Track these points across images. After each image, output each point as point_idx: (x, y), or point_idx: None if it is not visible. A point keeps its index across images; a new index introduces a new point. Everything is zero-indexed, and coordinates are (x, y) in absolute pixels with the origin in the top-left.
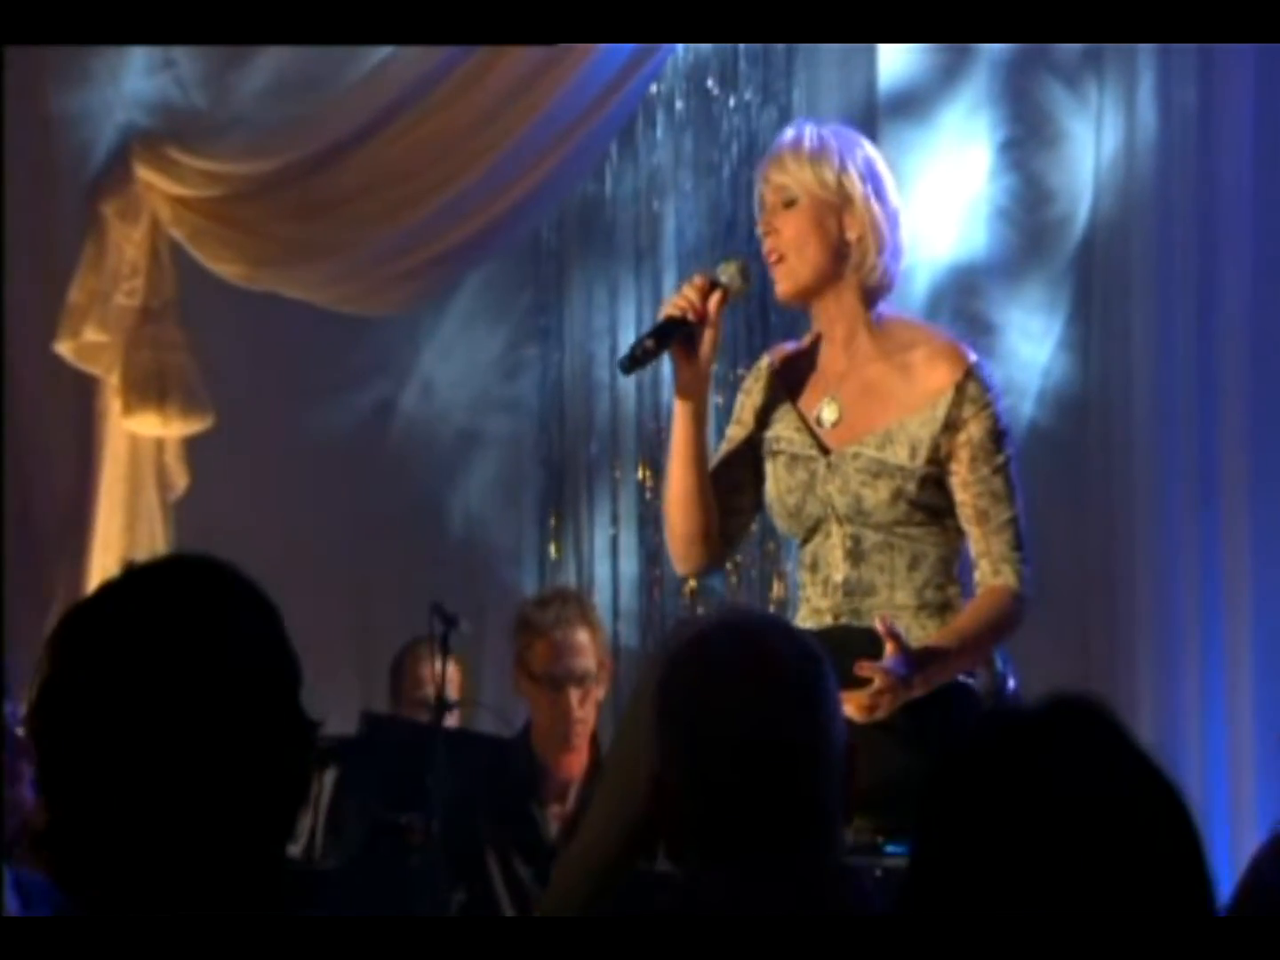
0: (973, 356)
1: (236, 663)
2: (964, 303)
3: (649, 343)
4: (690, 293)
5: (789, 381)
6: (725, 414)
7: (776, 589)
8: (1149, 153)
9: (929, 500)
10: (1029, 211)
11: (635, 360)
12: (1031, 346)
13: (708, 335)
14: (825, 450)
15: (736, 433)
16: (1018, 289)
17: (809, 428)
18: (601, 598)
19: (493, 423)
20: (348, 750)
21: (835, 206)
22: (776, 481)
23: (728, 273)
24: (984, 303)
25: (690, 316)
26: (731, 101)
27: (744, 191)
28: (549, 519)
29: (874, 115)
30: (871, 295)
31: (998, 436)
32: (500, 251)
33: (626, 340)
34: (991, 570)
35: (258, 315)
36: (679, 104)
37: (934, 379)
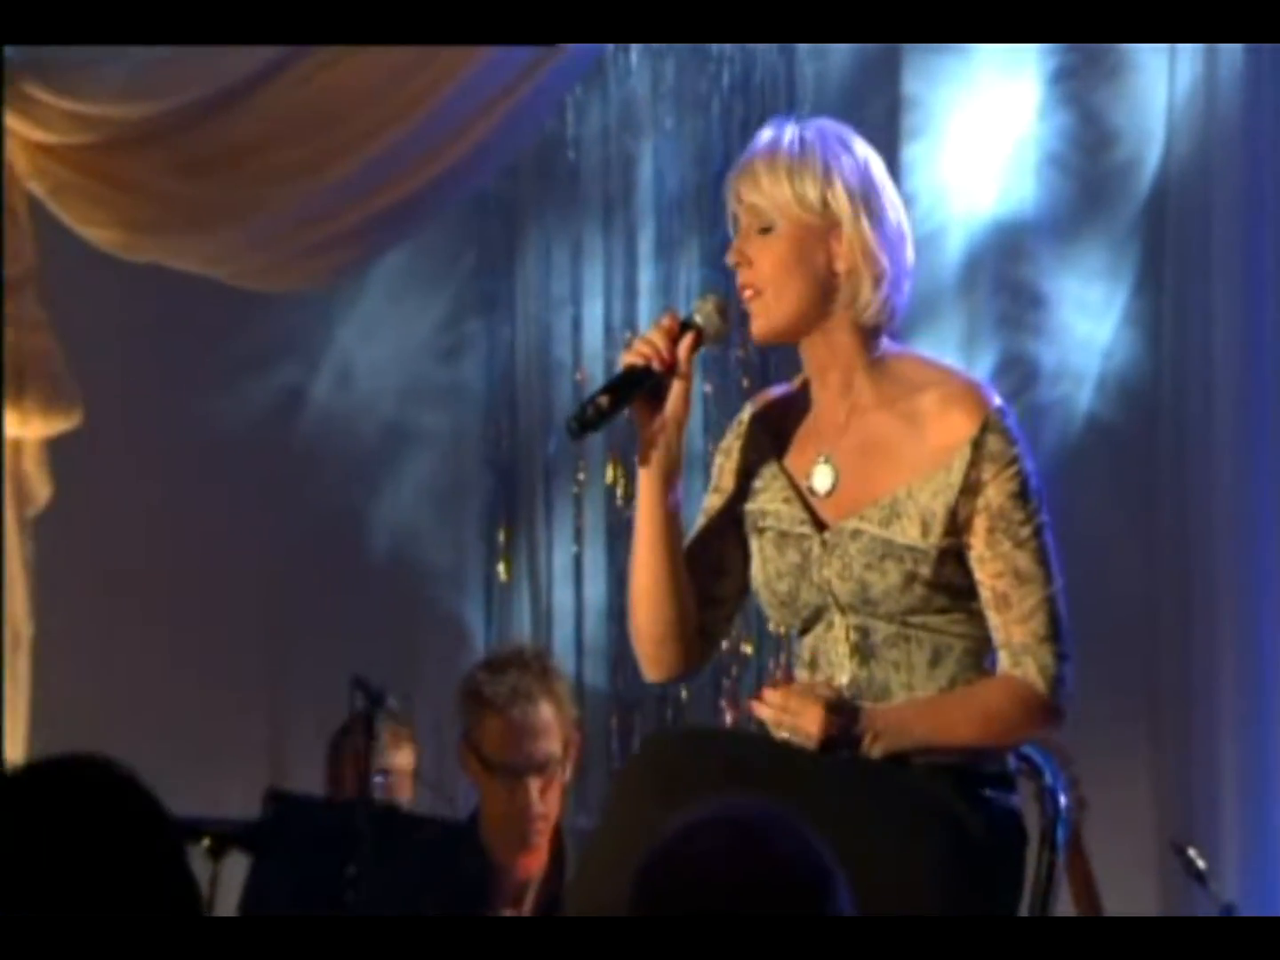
0: (995, 401)
1: (119, 900)
2: (1007, 269)
3: (603, 400)
4: (655, 336)
5: (776, 438)
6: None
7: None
8: (1232, 86)
9: (950, 580)
10: (1087, 157)
11: (585, 422)
12: (1090, 322)
13: (677, 388)
14: (820, 525)
15: (715, 503)
16: (1073, 252)
17: (800, 497)
18: (562, 630)
19: (427, 415)
20: (251, 838)
21: (820, 231)
22: (764, 564)
23: (703, 311)
24: (1032, 269)
25: (655, 366)
26: None
27: (737, 130)
28: (497, 534)
29: None
30: (870, 332)
31: (1024, 501)
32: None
33: (592, 312)
34: (1010, 663)
35: (136, 289)
36: None
37: (946, 432)
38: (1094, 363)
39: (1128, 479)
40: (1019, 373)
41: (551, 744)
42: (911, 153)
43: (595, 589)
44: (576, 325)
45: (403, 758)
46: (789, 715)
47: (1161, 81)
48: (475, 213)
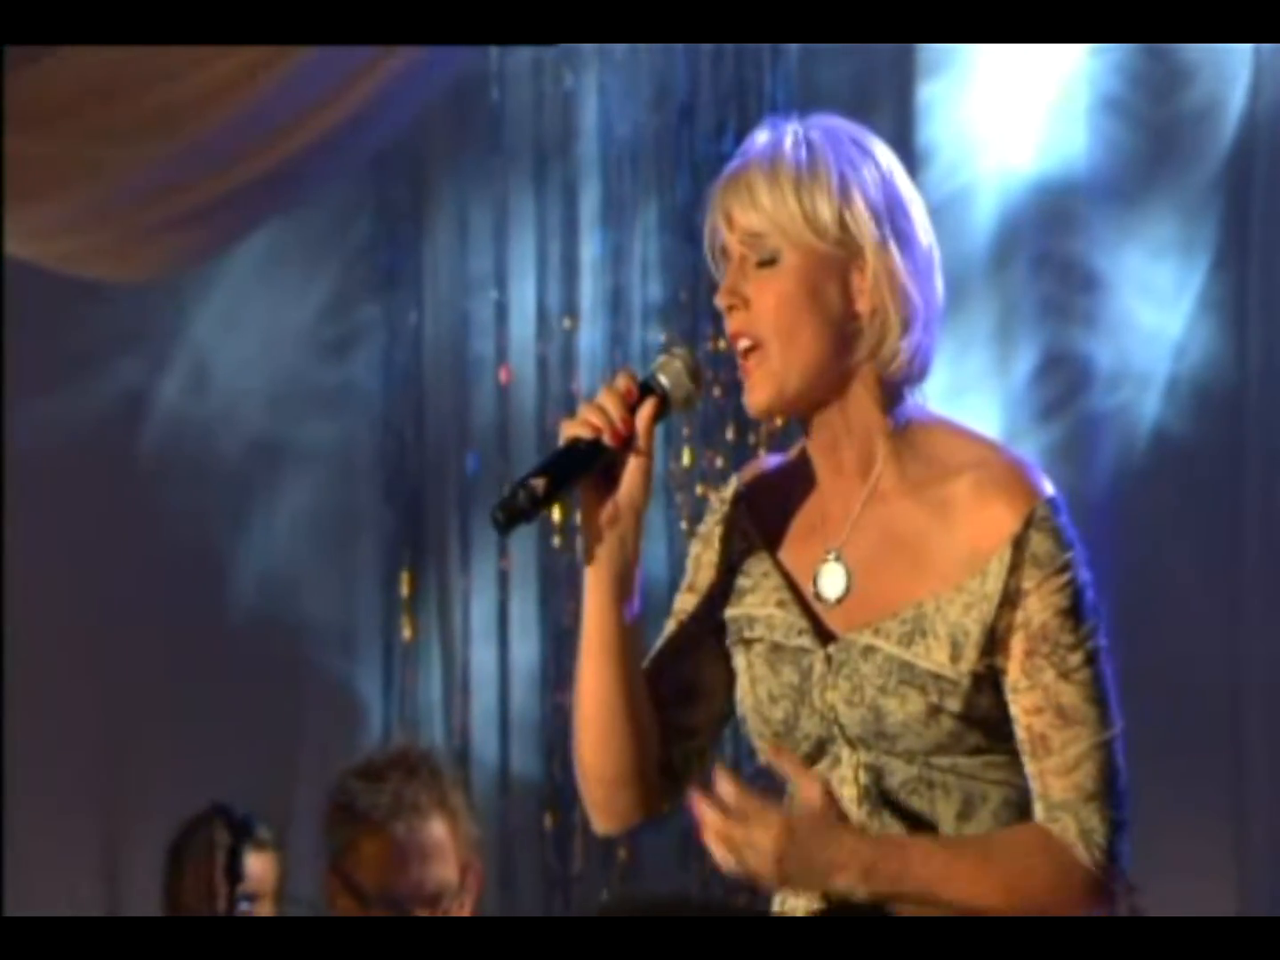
0: (1045, 490)
1: None
2: (1053, 242)
3: (538, 482)
4: (608, 402)
5: (770, 524)
6: None
7: None
8: None
9: (988, 714)
10: (1154, 102)
11: (516, 512)
12: (1156, 310)
13: (634, 467)
14: (825, 637)
15: (689, 605)
16: (1136, 221)
17: (799, 600)
18: (482, 702)
19: (307, 427)
20: None
21: (838, 262)
22: (754, 684)
23: (668, 371)
24: (1084, 242)
25: (607, 439)
26: None
27: (708, 62)
28: (399, 579)
29: None
30: (894, 391)
31: (1075, 620)
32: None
33: (520, 294)
34: (1046, 819)
35: None
36: None
37: (983, 528)
38: (1162, 362)
39: (1205, 507)
40: (1067, 374)
41: (445, 870)
42: (929, 94)
43: (525, 650)
44: (501, 312)
45: (268, 879)
46: (741, 828)
47: None
48: (370, 168)
